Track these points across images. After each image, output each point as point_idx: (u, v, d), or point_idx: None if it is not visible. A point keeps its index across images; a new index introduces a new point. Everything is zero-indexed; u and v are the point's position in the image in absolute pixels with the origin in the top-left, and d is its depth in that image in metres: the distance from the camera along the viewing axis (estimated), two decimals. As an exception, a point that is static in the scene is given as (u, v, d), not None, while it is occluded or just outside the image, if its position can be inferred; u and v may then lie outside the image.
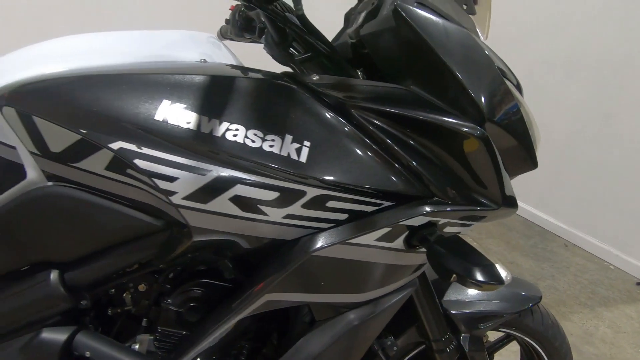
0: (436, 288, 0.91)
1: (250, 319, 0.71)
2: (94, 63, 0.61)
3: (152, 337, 0.78)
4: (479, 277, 0.52)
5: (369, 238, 0.59)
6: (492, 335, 1.09)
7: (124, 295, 0.79)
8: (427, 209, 0.60)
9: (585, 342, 1.86)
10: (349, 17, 0.81)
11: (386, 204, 0.61)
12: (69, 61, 0.60)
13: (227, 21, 0.99)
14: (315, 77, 0.62)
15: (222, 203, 0.56)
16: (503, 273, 0.53)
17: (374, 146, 0.59)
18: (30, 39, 0.71)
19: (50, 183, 0.61)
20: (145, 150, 0.54)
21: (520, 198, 0.69)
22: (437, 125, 0.58)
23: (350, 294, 0.65)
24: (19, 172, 0.61)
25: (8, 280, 0.70)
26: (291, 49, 0.70)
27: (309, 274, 0.61)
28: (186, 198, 0.55)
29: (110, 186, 0.59)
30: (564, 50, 2.58)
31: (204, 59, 0.70)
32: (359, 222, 0.60)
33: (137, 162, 0.54)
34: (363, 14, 0.67)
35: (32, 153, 0.59)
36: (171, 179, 0.55)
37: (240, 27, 0.93)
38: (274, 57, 0.73)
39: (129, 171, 0.56)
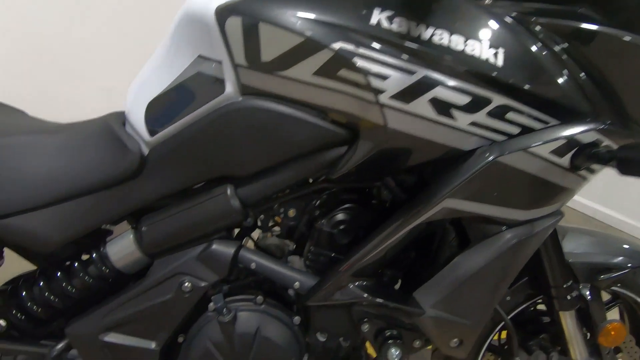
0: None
1: (393, 248, 0.75)
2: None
3: (302, 259, 0.83)
4: None
5: (545, 149, 0.64)
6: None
7: (274, 219, 0.86)
8: (599, 126, 0.64)
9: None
10: None
11: (554, 122, 0.65)
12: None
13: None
14: None
15: (421, 104, 0.61)
16: None
17: (553, 59, 0.64)
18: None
19: (244, 97, 0.68)
20: (362, 51, 0.60)
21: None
22: (614, 41, 0.62)
23: (517, 209, 0.69)
24: (218, 87, 0.68)
25: (186, 196, 0.78)
26: None
27: (487, 181, 0.65)
28: (392, 97, 0.61)
29: (310, 94, 0.64)
30: None
31: None
32: (534, 133, 0.64)
33: (355, 60, 0.60)
34: None
35: (237, 66, 0.65)
36: (383, 77, 0.60)
37: None
38: None
39: (340, 73, 0.61)
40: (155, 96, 0.72)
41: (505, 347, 1.18)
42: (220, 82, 0.68)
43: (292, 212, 0.85)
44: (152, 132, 0.74)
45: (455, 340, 0.78)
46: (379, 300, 0.75)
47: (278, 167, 0.74)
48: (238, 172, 0.75)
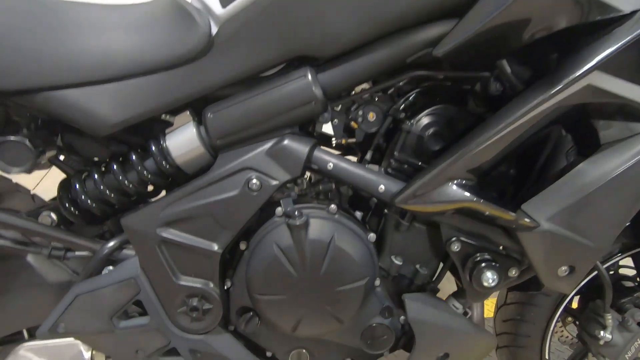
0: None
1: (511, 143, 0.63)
2: None
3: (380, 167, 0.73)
4: None
5: None
6: None
7: (351, 124, 0.75)
8: None
9: None
10: None
11: None
12: None
13: None
14: None
15: None
16: None
17: None
18: None
19: None
20: None
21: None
22: None
23: None
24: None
25: (256, 83, 0.68)
26: None
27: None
28: None
29: None
30: None
31: None
32: None
33: None
34: None
35: None
36: None
37: None
38: None
39: None
40: None
41: (586, 308, 1.06)
42: None
43: (372, 115, 0.74)
44: (223, 2, 0.64)
45: (565, 267, 0.66)
46: (485, 204, 0.63)
47: (371, 45, 0.63)
48: (323, 51, 0.64)
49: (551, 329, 1.06)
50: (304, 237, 0.67)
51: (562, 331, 1.30)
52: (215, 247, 0.68)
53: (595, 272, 0.87)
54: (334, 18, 0.61)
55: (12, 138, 0.65)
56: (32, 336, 0.86)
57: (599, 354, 1.04)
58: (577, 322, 1.11)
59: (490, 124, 0.59)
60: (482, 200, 0.62)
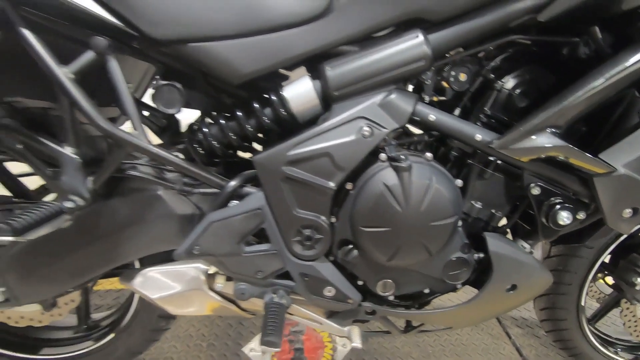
0: None
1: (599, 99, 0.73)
2: None
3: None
4: None
5: None
6: None
7: (442, 83, 0.85)
8: None
9: None
10: None
11: None
12: None
13: None
14: None
15: None
16: None
17: None
18: None
19: None
20: None
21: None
22: None
23: None
24: None
25: (369, 43, 0.78)
26: None
27: None
28: None
29: None
30: None
31: None
32: None
33: None
34: None
35: None
36: None
37: None
38: None
39: None
40: None
41: (625, 259, 1.19)
42: None
43: (463, 76, 0.84)
44: None
45: (629, 210, 0.78)
46: (574, 150, 0.74)
47: (479, 9, 0.73)
48: (436, 14, 0.74)
49: (589, 277, 1.19)
50: (409, 177, 0.78)
51: (592, 287, 1.44)
52: (331, 184, 0.79)
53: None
54: None
55: (164, 83, 0.75)
56: (142, 264, 0.98)
57: (634, 298, 1.17)
58: (613, 274, 1.24)
59: (585, 81, 0.70)
60: (573, 147, 0.73)
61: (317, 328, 0.95)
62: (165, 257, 0.91)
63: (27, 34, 0.67)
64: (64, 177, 0.75)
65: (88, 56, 0.71)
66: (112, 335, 1.11)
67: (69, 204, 0.72)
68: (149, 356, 1.29)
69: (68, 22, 0.72)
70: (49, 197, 1.12)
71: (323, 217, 0.82)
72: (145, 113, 0.94)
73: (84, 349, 1.12)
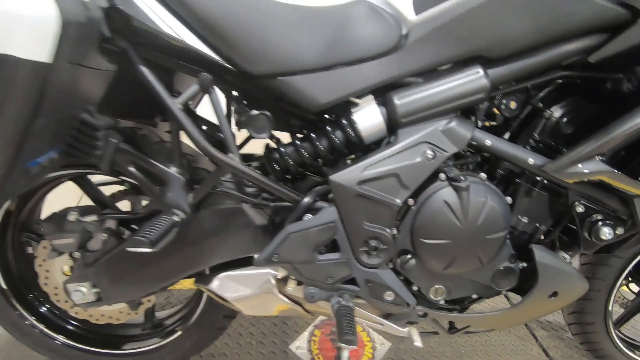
0: None
1: None
2: None
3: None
4: None
5: None
6: None
7: (493, 110, 0.95)
8: None
9: None
10: None
11: None
12: None
13: None
14: None
15: None
16: None
17: None
18: None
19: None
20: None
21: None
22: None
23: None
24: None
25: (433, 75, 0.88)
26: None
27: None
28: None
29: None
30: None
31: None
32: None
33: None
34: None
35: None
36: None
37: None
38: None
39: None
40: None
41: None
42: None
43: (513, 104, 0.94)
44: (417, 10, 0.83)
45: None
46: (619, 175, 0.84)
47: (535, 49, 0.82)
48: (495, 53, 0.84)
49: (618, 284, 1.29)
50: (467, 195, 0.88)
51: (617, 293, 1.53)
52: (397, 201, 0.89)
53: None
54: (511, 27, 0.80)
55: (257, 112, 0.85)
56: (212, 270, 1.09)
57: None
58: (637, 282, 1.33)
59: (632, 116, 0.80)
60: (618, 172, 0.83)
61: (378, 329, 1.05)
62: (230, 263, 1.02)
63: (145, 71, 0.78)
64: (169, 193, 0.85)
65: (193, 89, 0.81)
66: (179, 333, 1.22)
67: (176, 217, 0.83)
68: (204, 352, 1.39)
69: (176, 58, 0.82)
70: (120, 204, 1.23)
71: (388, 230, 0.92)
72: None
73: (154, 344, 1.23)
